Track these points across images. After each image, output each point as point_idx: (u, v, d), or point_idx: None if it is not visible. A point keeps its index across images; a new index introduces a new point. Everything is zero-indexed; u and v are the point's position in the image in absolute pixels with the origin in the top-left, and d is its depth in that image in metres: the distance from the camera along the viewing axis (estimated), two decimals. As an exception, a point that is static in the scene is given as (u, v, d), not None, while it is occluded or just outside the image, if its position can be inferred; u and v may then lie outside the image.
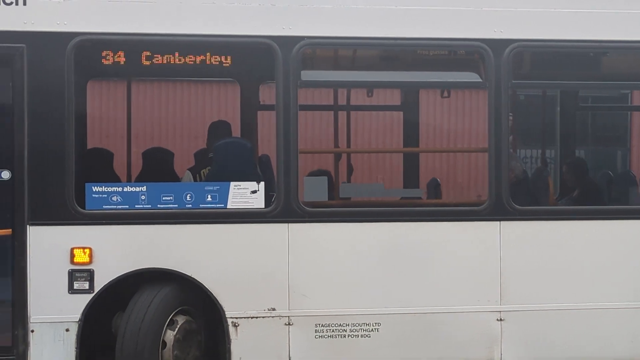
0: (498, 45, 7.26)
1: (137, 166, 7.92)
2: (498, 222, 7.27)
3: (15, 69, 6.84)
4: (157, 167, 8.04)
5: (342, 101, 8.92)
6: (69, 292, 6.88)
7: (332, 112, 8.71)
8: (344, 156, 8.93)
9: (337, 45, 7.40)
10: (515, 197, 7.36)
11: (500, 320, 7.28)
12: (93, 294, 6.90)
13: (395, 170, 9.54)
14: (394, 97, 9.34)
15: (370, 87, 8.60)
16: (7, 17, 6.85)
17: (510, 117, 7.28)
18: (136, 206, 6.96)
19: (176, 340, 7.02)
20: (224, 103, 9.87)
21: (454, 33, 7.27)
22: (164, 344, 7.00)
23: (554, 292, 7.31)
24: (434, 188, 9.12)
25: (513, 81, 7.34)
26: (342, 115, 8.88)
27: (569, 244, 7.33)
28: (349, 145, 9.21)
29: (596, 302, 7.32)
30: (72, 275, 6.89)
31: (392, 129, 9.96)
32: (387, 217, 7.19)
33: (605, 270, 7.32)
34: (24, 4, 6.87)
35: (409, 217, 7.21)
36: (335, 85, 8.23)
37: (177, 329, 7.03)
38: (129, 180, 7.54)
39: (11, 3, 6.87)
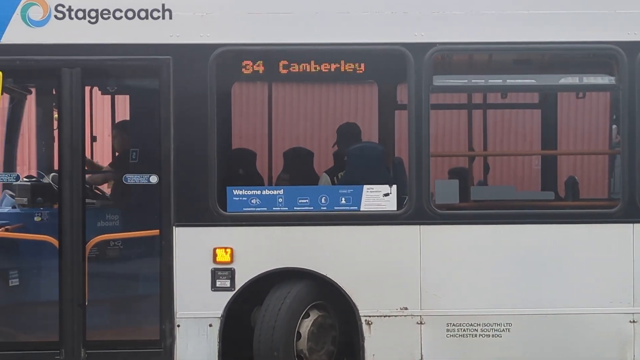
0: (631, 47, 7.27)
1: (277, 167, 8.25)
2: (631, 225, 7.28)
3: (162, 79, 7.28)
4: (298, 166, 8.36)
5: (476, 102, 9.03)
6: (211, 290, 7.27)
7: (465, 113, 8.85)
8: (479, 158, 9.04)
9: (469, 50, 7.56)
10: (650, 199, 7.35)
11: (633, 322, 7.30)
12: (234, 292, 7.27)
13: (527, 172, 9.58)
14: (527, 99, 9.40)
15: (501, 92, 8.71)
16: (155, 30, 7.29)
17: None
18: (274, 208, 7.30)
19: (311, 332, 7.34)
20: (361, 103, 10.12)
21: (586, 36, 7.32)
22: (299, 335, 7.32)
23: (690, 295, 7.28)
24: (572, 186, 9.13)
25: (647, 82, 7.33)
26: (475, 115, 9.00)
27: None
28: (484, 147, 9.32)
29: None
30: (215, 274, 7.27)
31: (525, 130, 9.99)
32: (518, 220, 7.31)
33: None
34: (170, 17, 7.30)
35: (540, 219, 7.32)
36: (466, 90, 8.38)
37: (312, 322, 7.33)
38: (270, 180, 7.88)
39: (158, 17, 7.30)
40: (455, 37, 7.31)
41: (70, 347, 7.31)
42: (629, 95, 7.32)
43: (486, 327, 7.30)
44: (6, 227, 7.92)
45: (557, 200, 8.23)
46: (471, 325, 7.29)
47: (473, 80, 7.86)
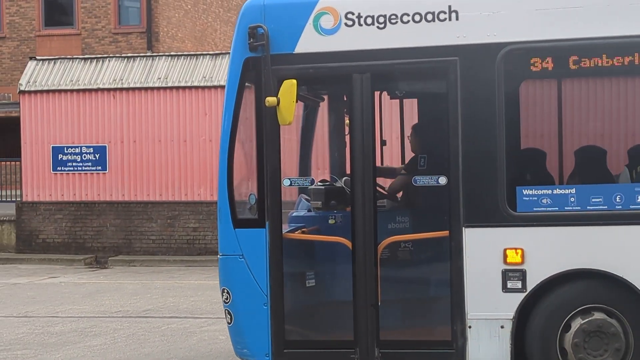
0: None
1: (568, 167, 8.13)
2: None
3: (449, 81, 7.42)
4: (590, 165, 8.19)
5: None
6: (502, 291, 7.30)
7: None
8: None
9: None
10: None
11: None
12: (526, 293, 7.26)
13: None
14: None
15: None
16: (441, 32, 7.45)
17: None
18: (566, 208, 7.24)
19: (574, 345, 7.20)
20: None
21: None
22: (564, 351, 7.22)
23: None
24: None
25: None
26: None
27: None
28: None
29: None
30: (506, 275, 7.30)
31: None
32: None
33: None
34: (457, 19, 7.44)
35: None
36: None
37: (573, 334, 7.21)
38: (560, 179, 7.81)
39: (445, 19, 7.47)
40: None
41: (364, 346, 7.59)
42: None
43: None
44: (302, 229, 8.31)
45: None
46: None
47: None
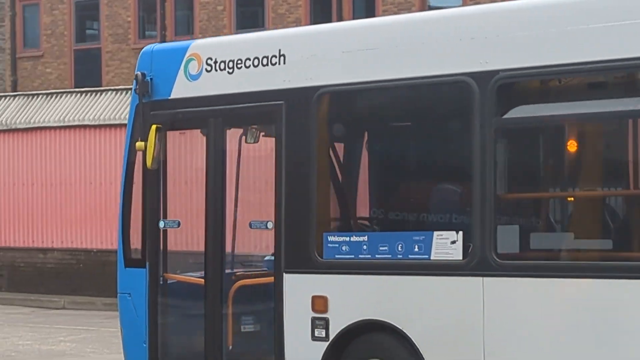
0: None
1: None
2: None
3: (277, 125, 8.35)
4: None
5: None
6: (311, 339, 8.12)
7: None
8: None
9: None
10: None
11: None
12: (328, 342, 8.03)
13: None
14: None
15: None
16: (272, 76, 8.40)
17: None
18: (360, 256, 7.93)
19: None
20: None
21: None
22: None
23: None
24: None
25: None
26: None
27: None
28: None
29: None
30: (314, 323, 8.14)
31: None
32: (579, 273, 6.96)
33: None
34: (284, 62, 8.32)
35: (604, 273, 6.86)
36: None
37: None
38: (372, 224, 8.39)
39: (275, 63, 8.39)
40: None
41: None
42: None
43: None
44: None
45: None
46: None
47: None
